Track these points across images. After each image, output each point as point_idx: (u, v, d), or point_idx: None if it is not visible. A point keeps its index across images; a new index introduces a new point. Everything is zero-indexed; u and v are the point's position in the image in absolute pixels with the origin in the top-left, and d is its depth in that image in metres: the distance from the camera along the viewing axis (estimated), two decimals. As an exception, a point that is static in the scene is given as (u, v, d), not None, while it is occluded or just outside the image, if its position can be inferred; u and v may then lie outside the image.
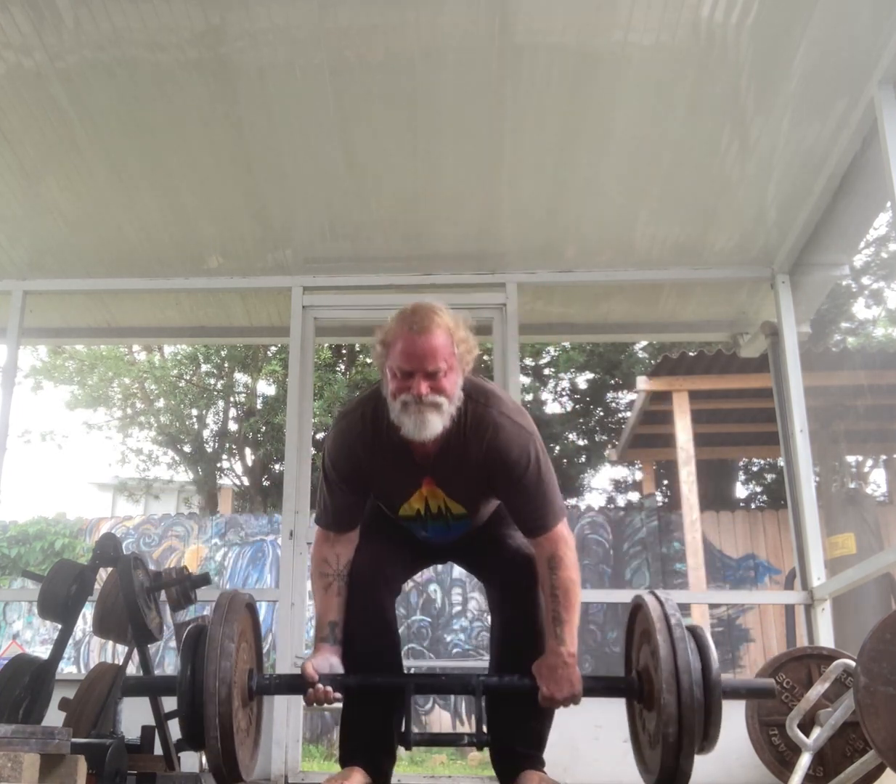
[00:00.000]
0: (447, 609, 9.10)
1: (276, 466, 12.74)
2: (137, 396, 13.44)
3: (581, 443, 13.28)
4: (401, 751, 2.40)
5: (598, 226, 4.06)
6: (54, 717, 2.81)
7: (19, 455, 13.82)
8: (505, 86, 3.26)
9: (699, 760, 3.69)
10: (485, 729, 2.17)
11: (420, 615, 8.96)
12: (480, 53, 3.12)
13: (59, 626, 3.01)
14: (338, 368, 12.54)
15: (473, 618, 8.94)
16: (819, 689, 2.61)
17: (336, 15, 2.97)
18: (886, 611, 5.43)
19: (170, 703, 2.88)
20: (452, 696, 8.69)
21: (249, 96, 3.34)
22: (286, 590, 3.93)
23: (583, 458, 13.17)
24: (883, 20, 2.83)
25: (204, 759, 2.88)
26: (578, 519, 9.44)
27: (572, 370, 12.86)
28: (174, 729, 2.83)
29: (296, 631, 3.90)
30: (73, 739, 1.90)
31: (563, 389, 13.49)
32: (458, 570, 9.00)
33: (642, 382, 8.05)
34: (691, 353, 7.65)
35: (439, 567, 9.06)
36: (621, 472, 14.06)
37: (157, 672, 3.05)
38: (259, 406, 13.18)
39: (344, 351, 12.44)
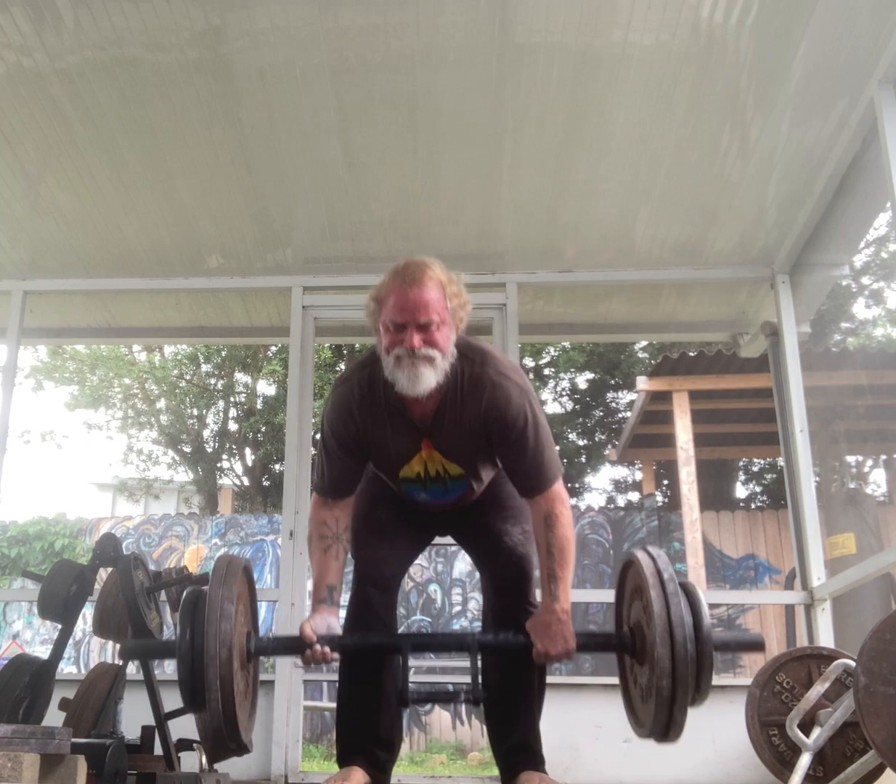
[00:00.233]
0: (447, 609, 9.10)
1: (276, 466, 12.74)
2: (138, 397, 13.44)
3: (581, 443, 13.28)
4: (400, 751, 2.40)
5: (598, 226, 4.06)
6: (54, 717, 2.81)
7: (19, 455, 13.83)
8: (505, 86, 3.27)
9: (700, 760, 3.72)
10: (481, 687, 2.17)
11: (420, 615, 8.96)
12: (480, 53, 3.12)
13: (59, 626, 3.01)
14: (338, 368, 12.54)
15: (473, 618, 8.93)
16: (819, 689, 2.61)
17: (336, 15, 2.97)
18: (886, 611, 5.43)
19: (170, 703, 2.88)
20: (452, 696, 8.69)
21: (249, 96, 3.34)
22: (286, 590, 3.93)
23: (583, 458, 13.17)
24: (883, 20, 2.83)
25: (203, 759, 2.88)
26: (578, 519, 9.43)
27: (572, 370, 12.86)
28: (174, 729, 2.84)
29: (296, 631, 3.88)
30: (73, 739, 1.90)
31: (563, 389, 13.49)
32: (458, 570, 9.00)
33: (642, 382, 8.05)
34: (691, 353, 7.65)
35: (439, 567, 9.07)
36: (621, 472, 14.07)
37: (157, 672, 3.05)
38: (259, 406, 13.18)
39: (344, 351, 12.44)
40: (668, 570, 2.03)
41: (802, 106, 3.25)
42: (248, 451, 13.20)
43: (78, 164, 3.66)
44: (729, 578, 8.95)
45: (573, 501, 12.52)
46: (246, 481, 13.12)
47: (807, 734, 2.60)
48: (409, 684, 2.12)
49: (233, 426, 13.50)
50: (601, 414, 13.48)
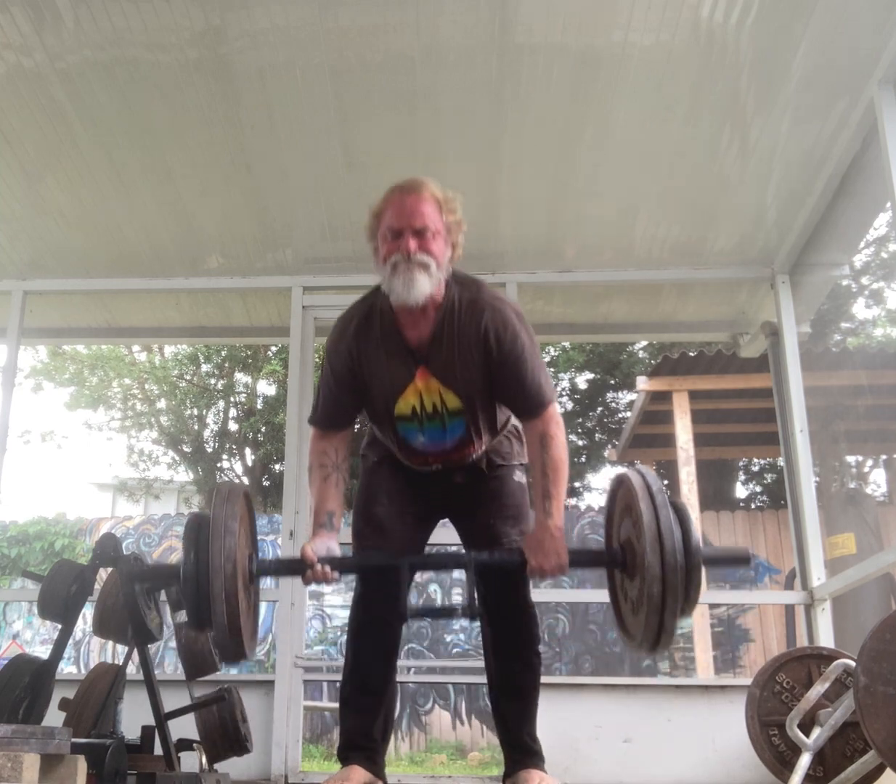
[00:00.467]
0: (447, 609, 9.10)
1: (277, 466, 12.74)
2: (138, 397, 13.44)
3: (581, 443, 13.28)
4: (401, 751, 2.42)
5: (598, 226, 4.06)
6: (54, 717, 2.81)
7: (19, 455, 13.83)
8: (505, 86, 3.27)
9: (700, 760, 3.72)
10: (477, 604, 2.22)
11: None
12: (480, 53, 3.12)
13: (59, 626, 3.01)
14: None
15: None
16: (819, 689, 2.61)
17: (336, 15, 2.97)
18: (886, 611, 5.43)
19: (170, 703, 2.88)
20: (452, 697, 8.70)
21: (249, 96, 3.34)
22: (286, 590, 3.93)
23: (583, 458, 13.17)
24: (883, 20, 2.83)
25: (203, 759, 2.88)
26: (578, 519, 9.44)
27: (572, 370, 12.86)
28: (174, 729, 2.84)
29: (296, 631, 3.89)
30: (73, 739, 1.90)
31: (563, 389, 13.49)
32: (457, 570, 8.98)
33: (642, 382, 8.04)
34: (691, 353, 7.64)
35: (439, 567, 9.06)
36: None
37: (157, 672, 3.05)
38: (259, 406, 13.18)
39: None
40: (657, 485, 2.08)
41: (802, 106, 3.25)
42: (248, 451, 13.20)
43: (78, 164, 3.66)
44: (729, 578, 8.94)
45: (573, 501, 12.53)
46: (246, 481, 13.12)
47: (807, 734, 2.60)
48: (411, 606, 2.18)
49: (233, 426, 13.51)
50: (601, 414, 13.48)
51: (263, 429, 12.78)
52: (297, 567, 2.21)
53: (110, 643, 7.91)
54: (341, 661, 2.44)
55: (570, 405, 13.39)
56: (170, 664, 8.50)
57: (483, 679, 2.48)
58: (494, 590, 2.37)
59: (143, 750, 2.83)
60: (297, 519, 4.01)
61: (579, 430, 13.31)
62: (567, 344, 11.75)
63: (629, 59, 3.10)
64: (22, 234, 4.16)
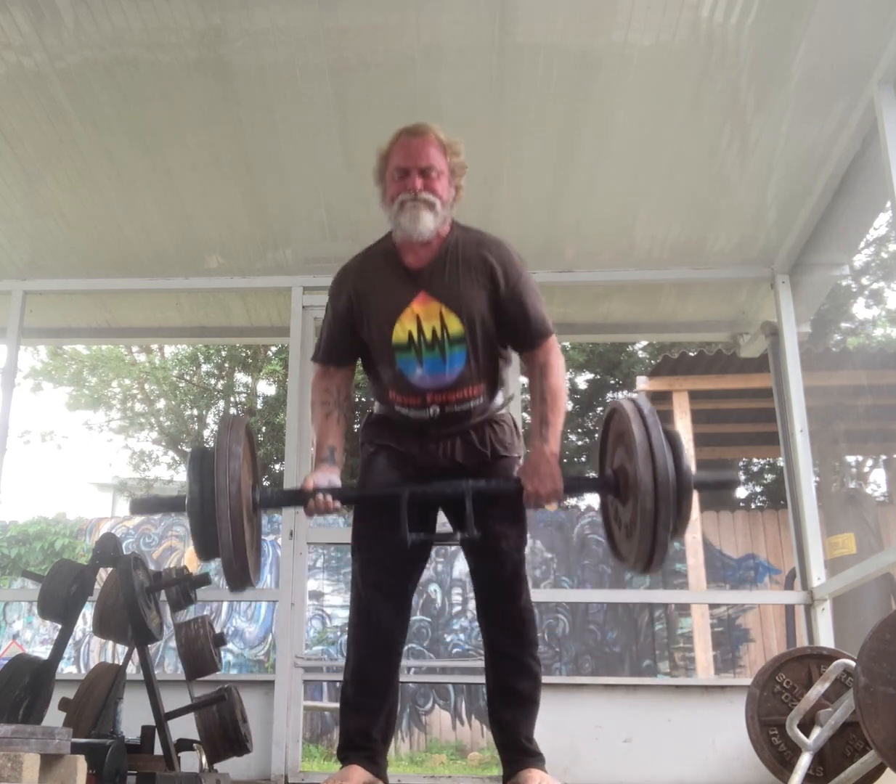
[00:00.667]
0: (447, 609, 9.10)
1: (277, 466, 12.73)
2: (137, 398, 13.45)
3: (581, 443, 13.28)
4: (401, 751, 2.43)
5: (598, 226, 4.06)
6: (54, 717, 2.81)
7: (19, 456, 13.83)
8: (505, 86, 3.27)
9: (700, 760, 3.71)
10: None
11: (420, 615, 8.95)
12: (480, 53, 3.12)
13: (59, 626, 3.01)
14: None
15: (473, 618, 8.93)
16: (819, 689, 2.61)
17: (336, 15, 2.97)
18: (886, 611, 5.43)
19: (170, 703, 2.88)
20: (452, 697, 8.71)
21: (249, 96, 3.34)
22: (286, 590, 3.93)
23: (583, 458, 13.16)
24: (883, 20, 2.84)
25: (203, 759, 2.88)
26: (578, 519, 9.44)
27: (572, 370, 12.86)
28: (174, 729, 2.83)
29: (296, 631, 3.89)
30: (73, 739, 1.90)
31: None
32: (457, 570, 9.00)
33: (642, 382, 8.04)
34: (691, 353, 7.64)
35: (439, 567, 9.07)
36: (621, 472, 14.05)
37: (157, 672, 3.05)
38: (259, 406, 13.18)
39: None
40: (649, 408, 2.14)
41: (802, 106, 3.25)
42: (248, 451, 13.18)
43: (78, 164, 3.66)
44: (729, 578, 8.95)
45: (573, 501, 12.54)
46: (246, 481, 13.10)
47: (807, 734, 2.60)
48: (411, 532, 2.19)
49: (233, 426, 13.49)
50: (601, 414, 13.48)
51: (263, 429, 12.78)
52: (300, 497, 2.25)
53: (110, 643, 7.91)
54: (341, 661, 2.44)
55: (570, 405, 13.38)
56: (170, 664, 8.50)
57: (483, 679, 2.47)
58: (493, 593, 2.38)
59: (143, 750, 2.83)
60: (296, 518, 4.01)
61: (579, 430, 13.30)
62: (567, 344, 11.74)
63: (629, 59, 3.10)
64: (22, 234, 4.16)
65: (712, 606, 8.33)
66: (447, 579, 9.14)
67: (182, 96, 3.32)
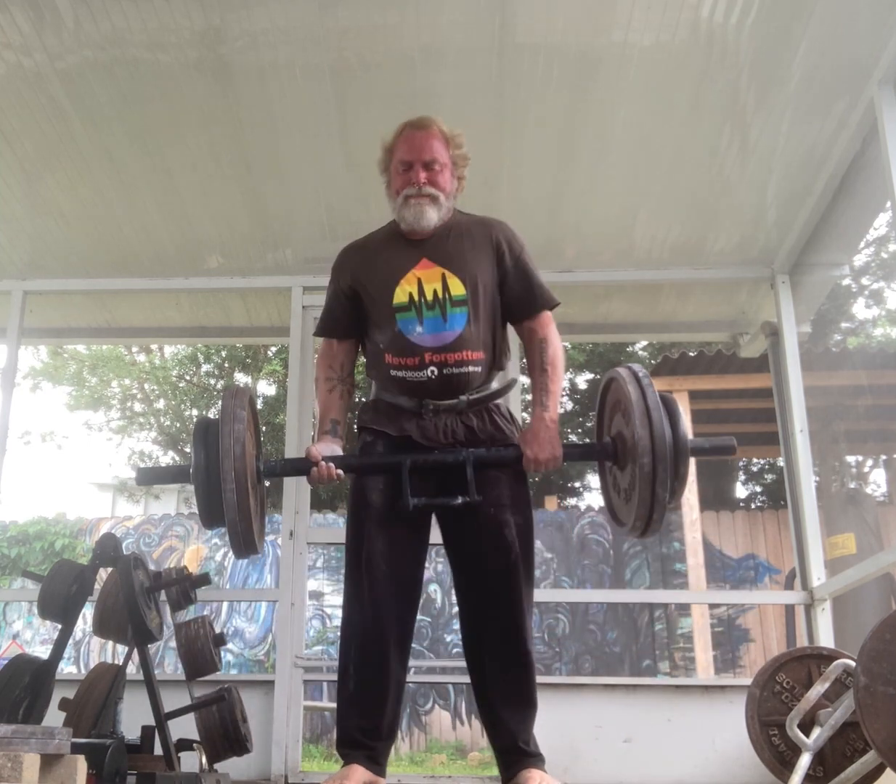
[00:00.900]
0: (447, 609, 9.10)
1: (276, 466, 12.72)
2: (137, 398, 13.44)
3: (582, 443, 13.26)
4: (401, 751, 2.42)
5: (598, 226, 4.06)
6: (54, 717, 2.81)
7: (19, 456, 13.83)
8: (505, 86, 3.27)
9: (700, 760, 3.71)
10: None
11: (420, 615, 8.94)
12: (480, 53, 3.12)
13: (59, 626, 3.01)
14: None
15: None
16: (819, 689, 2.61)
17: (336, 15, 2.97)
18: (886, 611, 5.43)
19: (170, 703, 2.88)
20: (452, 697, 8.71)
21: (249, 96, 3.34)
22: (286, 590, 3.93)
23: (583, 459, 13.15)
24: (883, 20, 2.83)
25: (203, 759, 2.88)
26: (578, 519, 9.44)
27: (572, 370, 12.86)
28: (174, 729, 2.83)
29: (296, 631, 3.89)
30: (73, 739, 1.90)
31: (564, 389, 13.48)
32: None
33: (642, 382, 8.04)
34: (691, 353, 7.64)
35: (439, 567, 9.06)
36: (621, 472, 14.04)
37: (156, 672, 3.05)
38: (259, 406, 13.19)
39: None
40: (644, 372, 2.20)
41: (802, 106, 3.25)
42: (248, 451, 13.18)
43: (78, 164, 3.66)
44: (729, 578, 8.95)
45: (573, 501, 12.54)
46: (246, 481, 13.10)
47: (807, 734, 2.59)
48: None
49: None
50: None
51: (263, 429, 12.77)
52: (303, 465, 2.29)
53: (110, 643, 7.91)
54: (339, 661, 2.40)
55: (570, 405, 13.39)
56: (170, 664, 8.50)
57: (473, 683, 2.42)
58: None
59: (143, 750, 2.83)
60: (296, 518, 4.02)
61: (579, 430, 13.30)
62: (567, 344, 11.74)
63: (629, 59, 3.10)
64: (22, 234, 4.16)
65: (712, 606, 8.33)
66: (447, 579, 9.13)
67: (182, 96, 3.32)
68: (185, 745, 2.90)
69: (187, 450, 13.26)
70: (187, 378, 13.28)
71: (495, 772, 2.40)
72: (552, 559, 9.19)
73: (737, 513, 9.54)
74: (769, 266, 4.22)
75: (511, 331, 2.52)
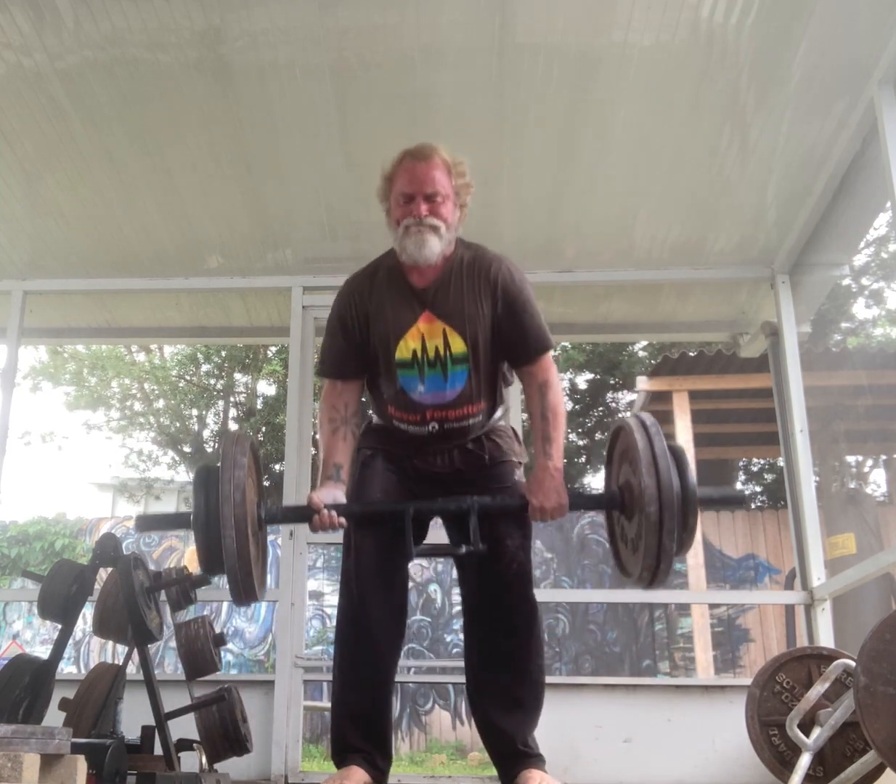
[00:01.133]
0: (447, 609, 9.10)
1: (277, 466, 12.73)
2: (137, 397, 13.44)
3: (581, 443, 13.28)
4: (401, 751, 2.42)
5: (598, 226, 4.06)
6: (54, 717, 2.81)
7: (19, 456, 13.83)
8: (505, 86, 3.27)
9: (700, 760, 3.70)
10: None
11: (420, 615, 8.96)
12: (480, 53, 3.12)
13: (59, 626, 3.01)
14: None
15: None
16: (819, 689, 2.61)
17: (336, 15, 2.97)
18: (886, 611, 5.43)
19: (170, 703, 2.88)
20: (452, 697, 8.71)
21: (249, 96, 3.34)
22: (286, 590, 3.93)
23: (583, 458, 13.17)
24: (883, 20, 2.83)
25: (203, 759, 2.88)
26: (578, 519, 9.44)
27: (572, 370, 12.86)
28: (174, 729, 2.83)
29: (296, 631, 3.89)
30: (73, 739, 1.90)
31: (563, 389, 13.47)
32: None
33: (642, 382, 8.05)
34: (691, 353, 7.64)
35: (439, 567, 9.07)
36: (621, 472, 14.04)
37: (156, 672, 3.05)
38: (259, 406, 13.18)
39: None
40: (652, 421, 2.15)
41: (802, 106, 3.25)
42: (248, 451, 13.18)
43: (78, 164, 3.66)
44: (729, 578, 8.95)
45: (573, 501, 12.52)
46: (246, 481, 13.10)
47: (807, 734, 2.60)
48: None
49: (233, 426, 13.50)
50: (601, 414, 13.47)
51: (263, 429, 12.78)
52: (305, 513, 2.25)
53: (110, 643, 7.91)
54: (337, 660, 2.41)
55: (570, 405, 13.38)
56: (170, 664, 8.50)
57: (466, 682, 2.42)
58: (496, 592, 2.35)
59: (143, 750, 2.83)
60: (297, 519, 4.01)
61: (579, 430, 13.30)
62: (567, 344, 11.74)
63: (629, 59, 3.10)
64: (22, 234, 4.15)
65: (712, 606, 8.33)
66: (447, 579, 9.14)
67: (182, 96, 3.32)
68: (185, 745, 2.90)
69: (187, 449, 13.27)
70: (187, 378, 13.28)
71: (495, 772, 2.40)
72: (552, 559, 9.20)
73: (737, 513, 9.53)
74: (769, 266, 4.22)
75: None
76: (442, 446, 2.41)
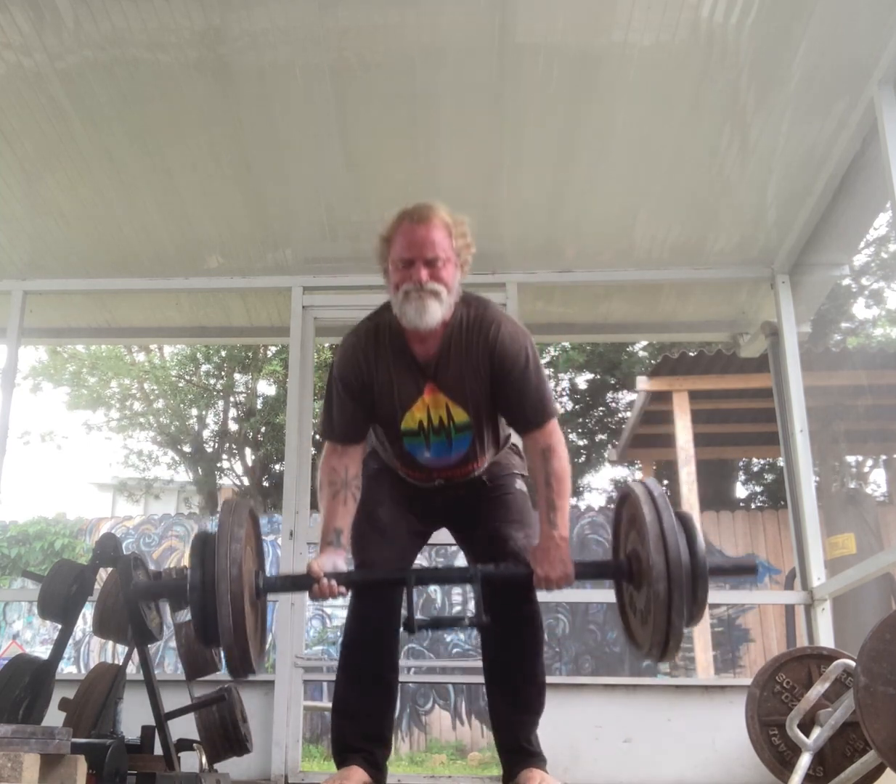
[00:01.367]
0: (447, 609, 9.10)
1: (276, 466, 12.74)
2: (137, 397, 13.44)
3: (581, 443, 13.28)
4: (401, 751, 2.42)
5: (598, 226, 4.06)
6: (54, 717, 2.81)
7: (19, 456, 13.82)
8: (505, 86, 3.26)
9: (700, 760, 3.71)
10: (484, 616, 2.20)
11: (420, 615, 8.94)
12: (480, 53, 3.12)
13: (59, 626, 3.01)
14: (338, 368, 12.52)
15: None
16: (819, 689, 2.61)
17: (336, 15, 2.97)
18: (886, 611, 5.43)
19: (170, 703, 2.88)
20: (452, 697, 8.70)
21: (249, 96, 3.34)
22: (286, 590, 3.92)
23: (583, 458, 13.17)
24: (883, 20, 2.83)
25: (203, 759, 2.88)
26: (578, 519, 9.43)
27: (572, 370, 12.86)
28: (174, 729, 2.84)
29: (296, 631, 3.89)
30: (73, 739, 1.90)
31: (563, 389, 13.48)
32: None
33: (642, 382, 8.05)
34: (691, 353, 7.65)
35: (439, 567, 9.06)
36: (621, 472, 14.06)
37: (156, 672, 3.05)
38: (259, 406, 13.18)
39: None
40: (660, 492, 2.11)
41: (802, 106, 3.25)
42: (248, 451, 13.20)
43: (78, 164, 3.66)
44: (729, 578, 8.94)
45: (573, 501, 12.52)
46: (246, 481, 13.12)
47: (807, 734, 2.60)
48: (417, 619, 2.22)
49: (233, 426, 13.50)
50: (601, 414, 13.48)
51: (263, 429, 12.78)
52: (304, 582, 2.21)
53: (110, 643, 7.91)
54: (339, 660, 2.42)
55: (570, 405, 13.38)
56: (170, 664, 8.50)
57: (483, 679, 2.45)
58: (500, 596, 2.36)
59: (143, 750, 2.83)
60: (296, 519, 4.01)
61: (579, 430, 13.30)
62: (567, 344, 11.74)
63: (629, 59, 3.10)
64: (22, 234, 4.15)
65: (712, 606, 8.32)
66: (447, 579, 9.13)
67: (182, 96, 3.32)
68: (185, 745, 2.90)
69: (186, 449, 13.27)
70: (187, 378, 13.28)
71: (495, 772, 2.41)
72: (552, 559, 9.18)
73: (737, 513, 9.54)
74: (769, 266, 4.22)
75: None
76: (447, 491, 2.45)
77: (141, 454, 13.67)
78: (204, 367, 13.30)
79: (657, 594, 1.98)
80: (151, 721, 2.85)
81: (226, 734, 2.91)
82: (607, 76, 3.18)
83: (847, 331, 12.34)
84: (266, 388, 13.58)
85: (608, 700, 3.76)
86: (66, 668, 8.60)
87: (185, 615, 3.30)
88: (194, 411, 13.41)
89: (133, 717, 2.96)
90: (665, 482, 12.39)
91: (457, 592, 9.10)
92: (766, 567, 8.97)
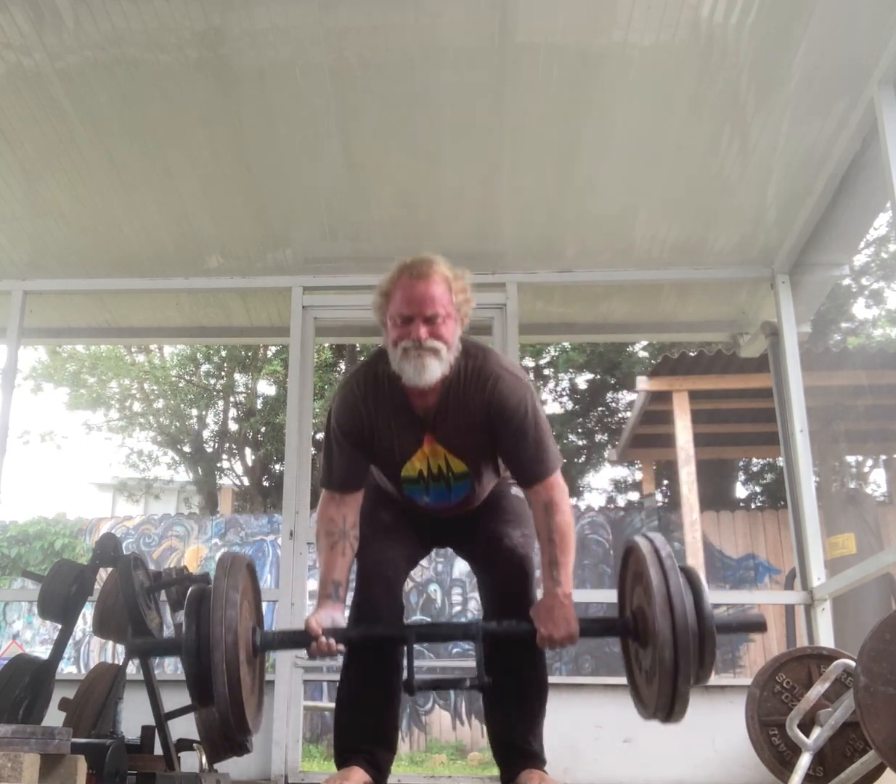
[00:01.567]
0: (447, 609, 9.09)
1: (276, 466, 12.74)
2: (136, 397, 13.44)
3: (581, 443, 13.27)
4: (401, 751, 2.41)
5: (598, 226, 4.06)
6: (54, 717, 2.81)
7: (19, 456, 13.82)
8: (505, 86, 3.26)
9: (700, 760, 3.71)
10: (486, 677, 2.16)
11: (420, 615, 8.95)
12: (480, 53, 3.12)
13: (59, 626, 3.01)
14: (338, 368, 12.55)
15: (473, 618, 8.93)
16: (819, 689, 2.61)
17: (336, 15, 2.97)
18: (886, 611, 5.43)
19: (170, 703, 2.88)
20: (452, 697, 8.70)
21: (249, 96, 3.34)
22: (286, 590, 3.93)
23: (583, 458, 13.16)
24: (883, 20, 2.83)
25: (203, 759, 2.88)
26: (578, 519, 9.43)
27: (572, 370, 12.86)
28: (174, 729, 2.84)
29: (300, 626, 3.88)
30: (73, 739, 1.90)
31: (563, 389, 13.49)
32: (457, 570, 9.00)
33: (642, 382, 8.05)
34: (691, 353, 7.65)
35: (439, 567, 9.06)
36: (621, 472, 14.07)
37: (157, 672, 3.05)
38: (259, 406, 13.18)
39: (344, 351, 12.44)
40: (666, 549, 2.06)
41: (802, 106, 3.25)
42: (248, 451, 13.20)
43: (78, 164, 3.66)
44: (729, 578, 8.95)
45: (573, 501, 12.52)
46: (246, 481, 13.12)
47: (807, 734, 2.60)
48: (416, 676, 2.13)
49: (233, 426, 13.51)
50: (601, 414, 13.47)
51: (263, 429, 12.78)
52: (302, 639, 2.18)
53: (110, 643, 7.91)
54: (340, 661, 2.41)
55: (570, 405, 13.39)
56: (170, 664, 8.50)
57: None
58: (501, 593, 2.37)
59: (143, 750, 2.83)
60: (296, 519, 4.01)
61: (579, 430, 13.30)
62: (567, 344, 11.74)
63: (629, 59, 3.10)
64: (22, 234, 4.15)
65: (712, 606, 8.32)
66: (447, 579, 9.14)
67: (182, 96, 3.32)
68: (185, 745, 2.90)
69: (186, 449, 13.27)
70: (187, 378, 13.27)
71: (495, 772, 2.40)
72: (552, 559, 9.18)
73: (737, 513, 9.53)
74: (769, 266, 4.22)
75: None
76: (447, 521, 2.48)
77: (141, 454, 13.68)
78: (204, 367, 13.30)
79: (663, 660, 1.94)
80: (151, 721, 2.86)
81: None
82: (607, 76, 3.18)
83: (847, 331, 12.34)
84: (266, 388, 13.60)
85: (608, 700, 3.76)
86: (66, 668, 8.60)
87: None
88: (194, 411, 13.41)
89: (133, 717, 2.96)
90: (665, 482, 12.40)
91: (457, 592, 9.11)
92: (766, 567, 8.97)
